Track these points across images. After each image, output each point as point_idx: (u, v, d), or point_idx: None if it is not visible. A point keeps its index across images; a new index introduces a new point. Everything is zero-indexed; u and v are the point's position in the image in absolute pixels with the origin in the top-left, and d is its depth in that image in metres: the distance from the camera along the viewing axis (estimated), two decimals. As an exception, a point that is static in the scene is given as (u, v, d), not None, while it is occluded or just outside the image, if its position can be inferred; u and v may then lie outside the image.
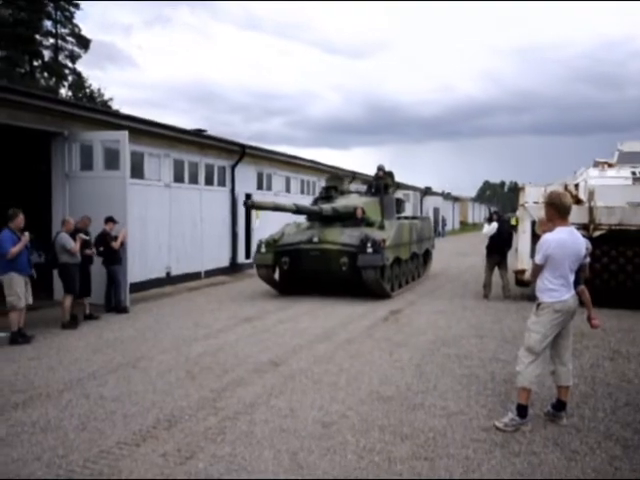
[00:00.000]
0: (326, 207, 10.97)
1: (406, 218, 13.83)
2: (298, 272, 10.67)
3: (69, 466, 3.64)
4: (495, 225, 10.48)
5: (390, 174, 12.82)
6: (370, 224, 10.68)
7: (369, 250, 9.64)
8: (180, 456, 3.77)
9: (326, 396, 4.96)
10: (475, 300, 10.36)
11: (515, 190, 11.87)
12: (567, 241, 4.15)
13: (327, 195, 11.91)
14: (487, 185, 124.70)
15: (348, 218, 10.76)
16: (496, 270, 10.55)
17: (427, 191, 38.61)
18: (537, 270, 4.31)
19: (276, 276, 11.09)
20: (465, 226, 53.26)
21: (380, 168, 12.52)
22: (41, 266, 8.88)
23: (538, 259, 4.25)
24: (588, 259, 4.62)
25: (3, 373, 5.78)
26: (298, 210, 10.66)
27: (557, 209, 4.23)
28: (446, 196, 45.02)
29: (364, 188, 13.21)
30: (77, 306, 8.41)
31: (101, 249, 9.00)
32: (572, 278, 4.25)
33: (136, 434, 4.14)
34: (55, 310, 8.87)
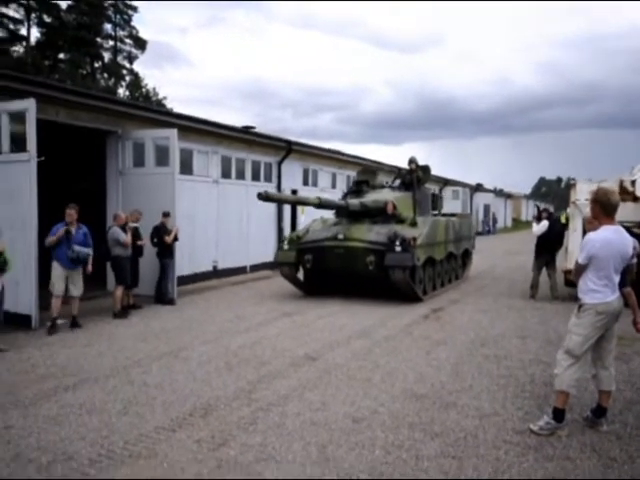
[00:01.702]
0: (353, 202, 10.28)
1: (444, 215, 12.80)
2: (322, 271, 10.12)
3: (110, 446, 3.85)
4: (545, 223, 10.13)
5: (424, 168, 11.83)
6: (401, 221, 9.99)
7: (397, 249, 8.99)
8: (213, 443, 3.91)
9: (359, 392, 4.99)
10: (522, 300, 10.08)
11: (568, 187, 11.28)
12: (613, 240, 4.00)
13: (357, 189, 11.23)
14: (542, 182, 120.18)
15: (378, 214, 10.13)
16: (544, 270, 10.21)
17: (478, 187, 37.73)
18: (580, 270, 4.16)
19: (301, 275, 10.65)
20: (518, 224, 51.64)
21: (412, 161, 11.57)
22: (95, 259, 9.35)
23: (581, 259, 4.10)
24: (635, 259, 4.42)
25: (58, 358, 6.16)
26: (321, 204, 9.82)
27: (603, 207, 4.08)
28: (498, 193, 43.82)
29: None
30: (126, 296, 8.80)
31: (155, 240, 9.37)
32: (617, 279, 4.09)
33: (173, 420, 4.32)
34: (108, 300, 9.31)
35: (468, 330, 7.52)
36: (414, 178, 11.08)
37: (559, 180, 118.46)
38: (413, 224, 9.82)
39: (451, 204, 30.12)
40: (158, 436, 4.04)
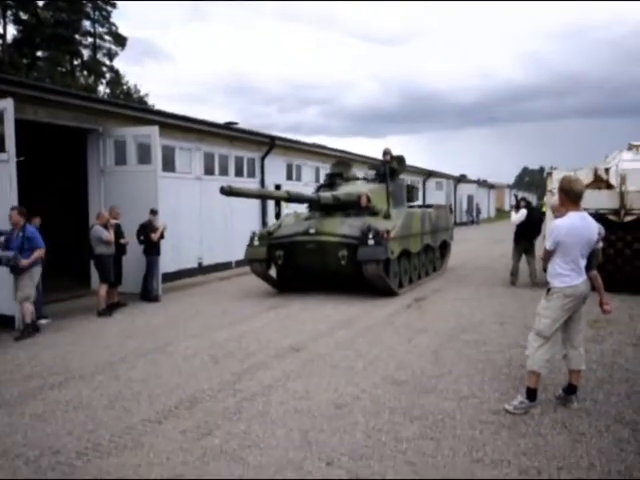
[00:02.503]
0: (326, 195, 9.95)
1: (419, 207, 12.53)
2: (294, 267, 9.86)
3: (96, 440, 3.93)
4: (524, 212, 10.34)
5: (399, 158, 11.47)
6: (375, 213, 9.76)
7: (370, 242, 8.71)
8: (198, 432, 4.01)
9: (342, 380, 5.12)
10: (502, 287, 10.29)
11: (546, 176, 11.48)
12: (578, 226, 4.15)
13: (331, 182, 10.89)
14: (526, 171, 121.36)
15: (352, 207, 9.87)
16: (524, 257, 10.44)
17: (461, 179, 38.08)
18: (548, 255, 4.33)
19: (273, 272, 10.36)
20: (502, 213, 52.19)
21: (387, 152, 11.22)
22: (79, 257, 9.36)
23: (549, 245, 4.27)
24: (601, 244, 4.60)
25: (43, 357, 6.19)
26: (291, 198, 9.53)
27: (567, 194, 4.23)
28: (481, 183, 44.24)
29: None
30: (110, 295, 8.82)
31: (141, 238, 9.39)
32: (583, 263, 4.25)
33: (159, 413, 4.41)
34: (92, 299, 9.33)
35: (449, 318, 7.69)
36: (387, 169, 10.64)
37: (542, 170, 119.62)
38: (387, 216, 9.63)
39: (435, 195, 30.46)
40: (144, 428, 4.12)
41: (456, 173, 38.03)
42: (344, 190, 10.31)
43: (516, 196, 11.89)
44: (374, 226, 8.95)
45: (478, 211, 38.77)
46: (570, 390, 4.41)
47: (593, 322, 6.93)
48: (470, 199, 38.03)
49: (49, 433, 4.09)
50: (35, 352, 6.42)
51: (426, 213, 11.42)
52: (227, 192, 8.10)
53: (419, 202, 13.49)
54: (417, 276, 10.91)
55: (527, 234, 10.35)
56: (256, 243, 9.83)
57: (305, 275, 10.22)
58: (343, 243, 9.03)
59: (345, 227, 9.26)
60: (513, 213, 10.66)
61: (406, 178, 28.25)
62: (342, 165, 11.82)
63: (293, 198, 9.60)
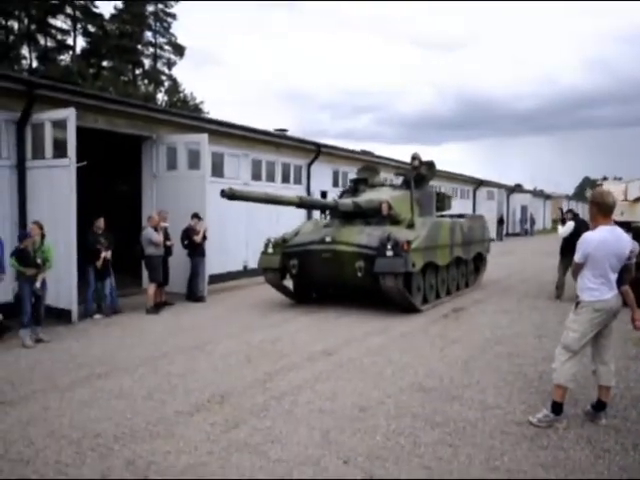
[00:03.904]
0: (345, 201, 9.50)
1: (451, 216, 11.57)
2: (308, 277, 9.26)
3: (133, 426, 4.24)
4: (571, 225, 10.06)
5: (429, 163, 10.84)
6: (398, 222, 9.16)
7: (389, 253, 8.06)
8: (226, 426, 4.24)
9: (369, 384, 5.23)
10: (546, 301, 10.05)
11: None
12: (608, 240, 4.11)
13: (354, 188, 10.37)
14: (587, 182, 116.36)
15: (373, 215, 9.31)
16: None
17: (515, 188, 37.13)
18: (577, 269, 4.30)
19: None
20: (557, 225, 50.28)
21: (415, 157, 10.68)
22: (131, 258, 9.90)
23: (577, 257, 4.25)
24: (633, 260, 4.50)
25: (94, 349, 6.65)
26: (303, 204, 8.94)
27: (599, 207, 4.20)
28: (536, 193, 42.93)
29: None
30: (158, 294, 9.29)
31: (186, 242, 9.83)
32: (614, 277, 4.20)
33: (192, 406, 4.68)
34: (143, 297, 9.82)
35: (485, 329, 7.63)
36: (410, 176, 10.04)
37: (605, 180, 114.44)
38: (410, 226, 8.97)
39: (485, 205, 29.84)
40: (177, 419, 4.40)
41: (511, 182, 37.24)
42: (366, 197, 9.77)
43: (561, 209, 11.59)
44: (394, 236, 8.31)
45: (532, 222, 37.62)
46: (599, 406, 4.34)
47: (630, 339, 6.71)
48: (524, 210, 36.97)
49: (92, 418, 4.43)
50: (87, 344, 6.89)
51: (457, 223, 10.62)
52: (228, 195, 7.52)
53: (452, 211, 12.46)
54: (446, 291, 10.19)
55: (573, 247, 10.05)
56: (270, 251, 9.27)
57: (321, 287, 9.79)
58: (360, 253, 8.42)
59: (363, 236, 8.66)
60: (560, 226, 10.39)
61: (455, 187, 28.09)
62: (368, 170, 11.26)
63: (306, 204, 9.05)
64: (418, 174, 10.44)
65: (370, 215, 9.37)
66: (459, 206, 27.21)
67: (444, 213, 11.68)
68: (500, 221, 30.30)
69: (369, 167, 11.68)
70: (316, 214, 15.99)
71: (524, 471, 3.52)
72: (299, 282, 9.74)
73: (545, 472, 3.51)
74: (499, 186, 33.06)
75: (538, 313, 8.86)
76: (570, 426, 4.23)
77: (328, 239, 8.78)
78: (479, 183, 30.57)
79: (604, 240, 4.09)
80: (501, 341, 6.93)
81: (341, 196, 10.48)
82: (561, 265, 10.27)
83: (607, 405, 4.35)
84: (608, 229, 4.13)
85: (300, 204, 8.94)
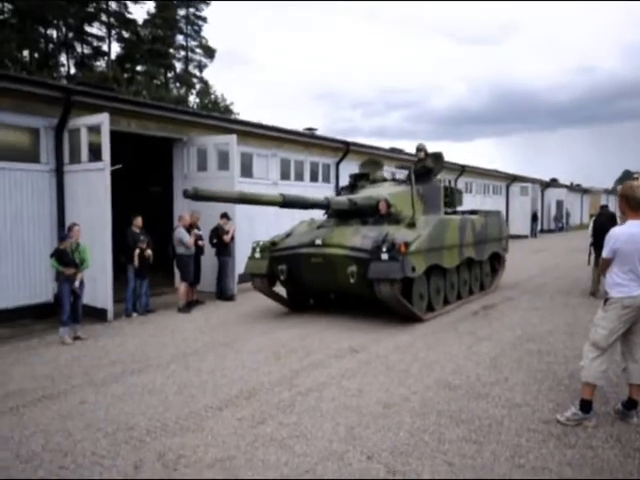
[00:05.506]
0: (339, 199, 8.72)
1: (463, 213, 10.58)
2: (298, 284, 8.51)
3: (165, 421, 4.39)
4: (590, 225, 9.84)
5: (436, 155, 9.96)
6: (399, 221, 8.30)
7: (384, 256, 7.17)
8: (253, 421, 4.34)
9: (395, 381, 5.25)
10: (580, 298, 9.82)
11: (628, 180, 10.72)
12: (636, 235, 4.03)
13: (354, 184, 9.62)
14: (627, 175, 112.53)
15: (371, 214, 8.46)
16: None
17: (550, 183, 36.24)
18: (605, 264, 4.23)
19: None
20: (596, 220, 48.81)
21: (420, 148, 9.82)
22: (164, 257, 10.16)
23: (605, 253, 4.18)
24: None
25: (128, 346, 6.88)
26: (286, 203, 7.69)
27: (628, 201, 4.12)
28: (573, 188, 41.79)
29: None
30: (189, 293, 9.51)
31: (214, 241, 10.03)
32: (645, 273, 4.10)
33: (221, 401, 4.81)
34: (175, 296, 10.07)
35: (516, 327, 7.53)
36: (411, 169, 9.12)
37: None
38: (411, 225, 8.03)
39: (519, 201, 29.25)
40: (206, 413, 4.53)
41: (546, 177, 36.31)
42: (364, 194, 8.92)
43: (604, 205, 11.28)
44: (392, 237, 7.43)
45: (568, 217, 36.67)
46: (630, 405, 4.25)
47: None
48: (559, 205, 36.05)
49: (126, 412, 4.61)
50: (122, 341, 7.13)
51: (467, 220, 9.50)
52: (191, 196, 6.70)
53: (481, 208, 11.06)
54: (456, 296, 9.25)
55: (602, 242, 9.80)
56: (257, 256, 8.53)
57: (314, 293, 9.06)
58: (352, 257, 7.54)
59: (357, 238, 7.78)
60: (591, 223, 10.15)
61: (488, 183, 27.62)
62: (371, 165, 10.37)
63: (290, 203, 7.80)
64: (424, 167, 9.64)
65: (368, 214, 8.49)
66: (491, 202, 26.79)
67: (458, 209, 10.87)
68: (534, 217, 29.65)
69: (372, 161, 10.89)
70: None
71: (550, 469, 3.50)
72: (290, 289, 9.01)
73: (572, 471, 3.47)
74: (533, 181, 32.33)
75: (571, 310, 8.68)
76: (600, 424, 4.16)
77: (318, 242, 7.95)
78: (512, 179, 29.97)
79: (633, 234, 4.01)
80: (532, 338, 6.83)
81: (339, 193, 9.66)
82: (594, 261, 10.03)
83: (638, 403, 4.25)
84: (637, 223, 4.05)
85: (284, 204, 7.71)
